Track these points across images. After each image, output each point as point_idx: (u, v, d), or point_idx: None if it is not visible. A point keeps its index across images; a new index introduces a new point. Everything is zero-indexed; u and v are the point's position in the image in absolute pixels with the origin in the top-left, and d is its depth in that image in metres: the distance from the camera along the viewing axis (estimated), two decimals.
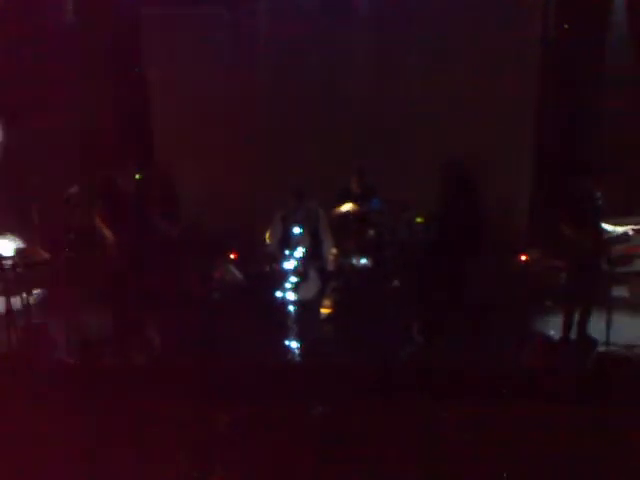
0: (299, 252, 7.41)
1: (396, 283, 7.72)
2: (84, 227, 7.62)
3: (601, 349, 6.88)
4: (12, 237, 8.23)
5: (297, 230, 7.43)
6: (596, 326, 7.06)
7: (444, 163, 8.61)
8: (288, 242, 7.43)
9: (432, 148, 8.67)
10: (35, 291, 7.91)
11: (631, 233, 7.50)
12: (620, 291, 7.77)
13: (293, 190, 7.60)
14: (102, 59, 8.86)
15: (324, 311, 7.57)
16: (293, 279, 7.37)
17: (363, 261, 7.47)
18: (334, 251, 7.52)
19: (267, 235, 7.66)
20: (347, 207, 7.78)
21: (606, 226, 7.23)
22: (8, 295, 7.33)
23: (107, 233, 7.14)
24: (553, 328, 7.45)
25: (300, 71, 9.01)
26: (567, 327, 7.20)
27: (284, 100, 8.97)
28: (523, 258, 7.91)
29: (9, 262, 7.39)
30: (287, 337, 7.19)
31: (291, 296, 7.35)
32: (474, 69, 8.74)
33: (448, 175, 8.60)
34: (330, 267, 7.55)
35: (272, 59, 9.05)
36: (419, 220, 8.12)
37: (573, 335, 7.19)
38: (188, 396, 6.04)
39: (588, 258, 7.04)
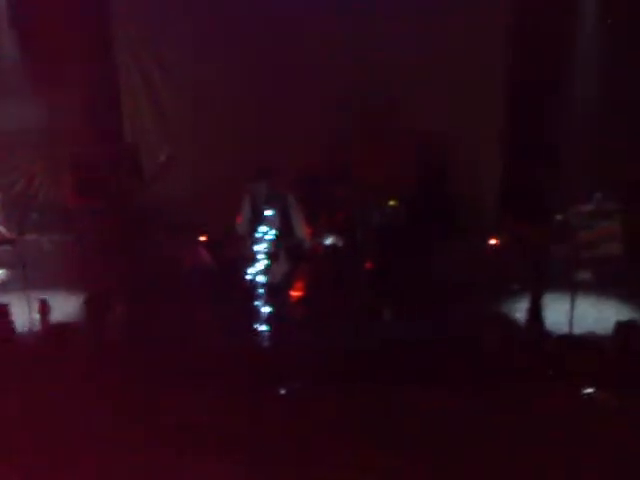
0: (269, 234, 7.34)
1: (368, 265, 7.75)
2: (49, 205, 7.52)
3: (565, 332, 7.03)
4: None
5: (267, 212, 7.36)
6: (562, 310, 7.22)
7: (415, 146, 8.66)
8: (258, 224, 7.35)
9: (402, 131, 8.71)
10: None
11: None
12: (585, 275, 7.93)
13: (263, 171, 7.53)
14: (67, 35, 8.65)
15: (294, 293, 7.56)
16: (263, 261, 7.31)
17: (335, 243, 7.45)
18: (305, 233, 7.48)
19: (238, 217, 7.59)
20: (318, 188, 7.76)
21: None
22: None
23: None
24: (519, 311, 7.60)
25: (271, 52, 8.91)
26: (531, 311, 7.35)
27: (255, 81, 8.88)
28: (492, 242, 8.01)
29: None
30: (256, 320, 7.15)
31: (261, 279, 7.29)
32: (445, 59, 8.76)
33: (419, 158, 8.65)
34: (301, 249, 7.51)
35: (243, 40, 8.93)
36: (391, 203, 8.15)
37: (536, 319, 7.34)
38: (156, 380, 6.01)
39: (540, 247, 7.19)
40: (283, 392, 6.08)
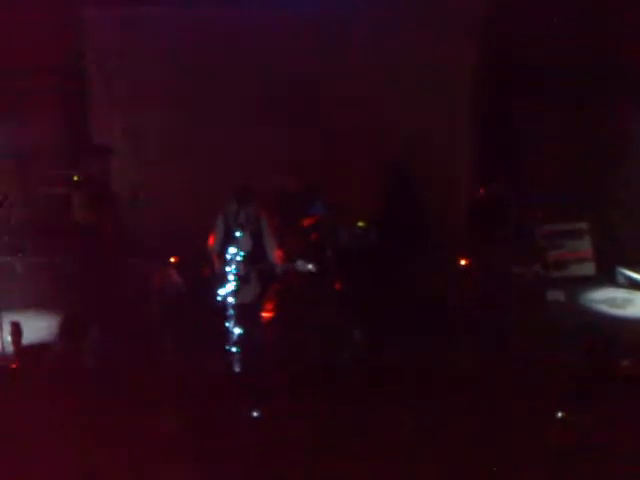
0: (240, 255, 7.35)
1: (338, 286, 7.78)
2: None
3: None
4: None
5: (238, 233, 7.38)
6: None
7: (383, 168, 8.75)
8: (229, 245, 7.36)
9: (370, 153, 8.80)
10: None
11: None
12: (555, 295, 8.00)
13: (234, 193, 7.57)
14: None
15: (265, 315, 7.56)
16: (234, 283, 7.30)
17: (306, 264, 7.47)
18: (276, 254, 7.51)
19: (210, 238, 7.61)
20: (289, 211, 7.81)
21: None
22: None
23: None
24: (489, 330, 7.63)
25: (237, 71, 8.97)
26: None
27: (223, 102, 8.92)
28: (462, 262, 8.06)
29: None
30: (227, 341, 7.13)
31: (232, 300, 7.28)
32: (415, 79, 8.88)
33: (387, 179, 8.73)
34: (272, 270, 7.53)
35: (210, 60, 8.99)
36: (360, 224, 8.21)
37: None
38: (124, 400, 5.97)
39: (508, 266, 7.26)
40: (255, 414, 6.05)
